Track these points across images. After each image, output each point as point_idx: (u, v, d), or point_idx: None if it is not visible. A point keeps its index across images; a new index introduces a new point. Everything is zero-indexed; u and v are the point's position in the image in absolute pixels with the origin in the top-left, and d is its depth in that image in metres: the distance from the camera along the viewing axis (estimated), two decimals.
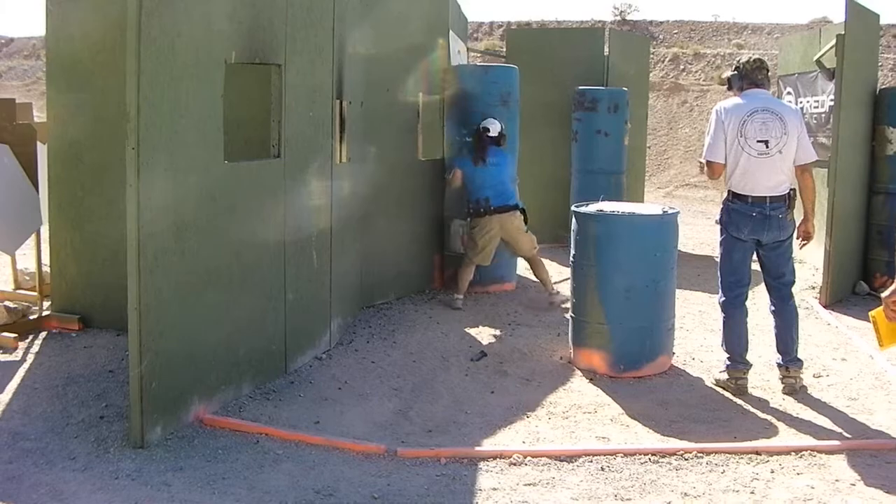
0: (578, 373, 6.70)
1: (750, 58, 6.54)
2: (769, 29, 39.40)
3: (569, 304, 7.24)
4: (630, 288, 6.51)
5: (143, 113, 4.81)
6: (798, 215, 6.37)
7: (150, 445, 5.02)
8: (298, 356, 6.56)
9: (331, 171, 6.94)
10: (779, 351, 6.39)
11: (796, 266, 6.74)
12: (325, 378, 6.44)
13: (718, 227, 6.72)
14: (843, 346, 7.67)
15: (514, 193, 8.95)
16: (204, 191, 5.41)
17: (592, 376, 6.60)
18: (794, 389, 6.34)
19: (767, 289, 6.54)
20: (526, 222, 8.89)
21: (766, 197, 6.20)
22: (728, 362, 6.44)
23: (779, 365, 6.38)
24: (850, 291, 9.82)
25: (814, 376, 6.73)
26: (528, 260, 9.08)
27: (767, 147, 6.13)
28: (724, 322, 6.50)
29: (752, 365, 6.47)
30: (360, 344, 7.30)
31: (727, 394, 6.35)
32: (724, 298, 6.54)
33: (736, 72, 6.45)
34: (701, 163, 6.59)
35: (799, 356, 6.41)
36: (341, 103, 7.12)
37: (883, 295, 4.39)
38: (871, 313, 4.66)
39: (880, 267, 10.02)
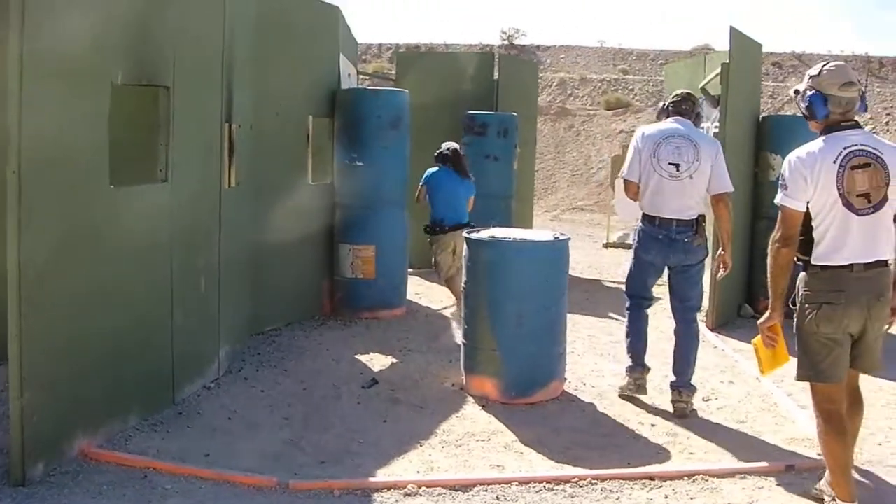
0: (471, 399, 6.66)
1: (680, 92, 6.82)
2: (653, 55, 40.30)
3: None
4: (521, 314, 6.51)
5: (25, 134, 4.64)
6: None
7: (32, 483, 4.77)
8: (186, 385, 6.39)
9: (219, 195, 6.80)
10: (674, 372, 6.49)
11: None
12: (214, 408, 6.27)
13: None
14: (729, 368, 7.83)
15: (465, 212, 9.38)
16: (88, 214, 5.22)
17: (485, 403, 6.56)
18: (685, 413, 6.40)
19: (672, 310, 6.68)
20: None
21: (672, 220, 6.35)
22: (629, 363, 6.72)
23: (672, 387, 6.47)
24: (735, 314, 10.05)
25: (703, 399, 6.82)
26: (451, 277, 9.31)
27: (678, 170, 6.31)
28: (626, 327, 6.77)
29: (650, 368, 6.72)
30: (249, 372, 7.16)
31: (619, 419, 6.40)
32: (628, 303, 6.77)
33: (662, 107, 6.86)
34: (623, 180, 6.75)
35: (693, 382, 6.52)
36: (230, 126, 7.00)
37: (759, 322, 4.83)
38: (753, 341, 4.99)
39: (764, 291, 10.14)
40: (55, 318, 4.95)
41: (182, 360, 6.26)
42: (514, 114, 12.17)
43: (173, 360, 6.14)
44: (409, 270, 10.12)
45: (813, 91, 4.56)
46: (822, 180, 4.44)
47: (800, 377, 4.71)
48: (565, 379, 6.99)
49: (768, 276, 4.70)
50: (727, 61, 9.42)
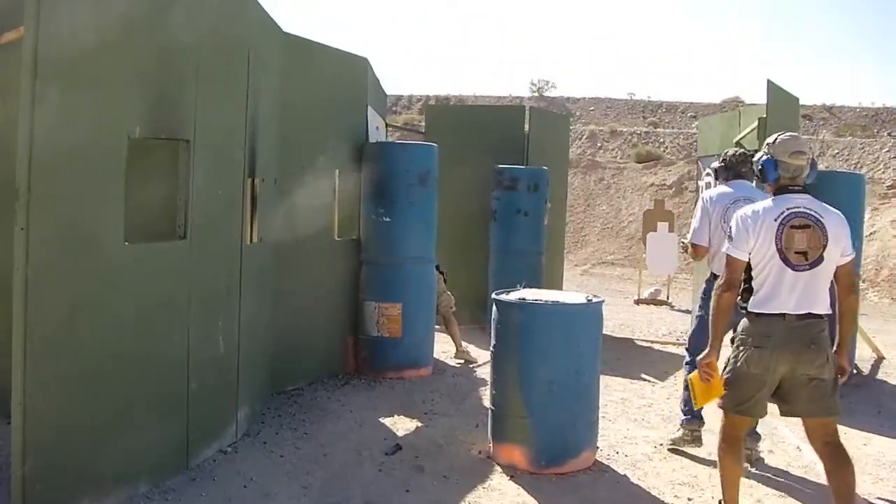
0: (498, 469, 6.35)
1: (736, 151, 7.03)
2: (683, 108, 40.26)
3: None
4: (553, 380, 6.21)
5: (35, 190, 4.45)
6: None
7: None
8: (202, 450, 6.12)
9: (241, 252, 6.58)
10: None
11: None
12: (229, 474, 5.98)
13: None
14: (768, 435, 7.48)
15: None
16: (101, 274, 5.01)
17: (513, 473, 6.25)
18: (751, 461, 6.56)
19: None
20: (445, 282, 10.18)
21: None
22: (684, 417, 6.87)
23: None
24: None
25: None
26: (444, 317, 10.17)
27: None
28: (685, 380, 6.58)
29: (704, 422, 6.74)
30: (268, 435, 6.88)
31: (654, 491, 6.08)
32: (688, 359, 6.74)
33: (722, 164, 6.95)
34: (684, 244, 7.04)
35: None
36: (253, 181, 6.80)
37: (698, 359, 5.19)
38: (689, 377, 5.38)
39: None
40: (62, 383, 4.73)
41: (197, 424, 5.99)
42: (545, 168, 11.94)
43: (188, 423, 5.88)
44: (436, 327, 9.87)
45: (767, 157, 5.10)
46: (762, 235, 4.94)
47: (723, 406, 5.17)
48: (597, 448, 6.69)
49: (710, 316, 5.18)
50: (762, 115, 9.19)
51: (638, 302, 16.87)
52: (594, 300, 6.50)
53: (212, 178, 6.08)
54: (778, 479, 6.46)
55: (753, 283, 5.02)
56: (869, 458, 7.07)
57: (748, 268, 5.03)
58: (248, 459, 6.30)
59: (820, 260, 4.88)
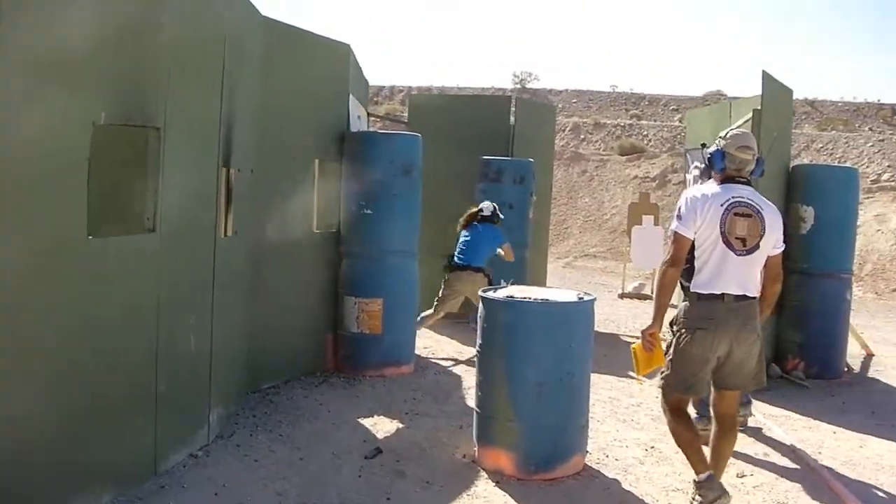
0: (483, 474, 6.06)
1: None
2: (665, 101, 40.10)
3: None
4: (542, 382, 5.92)
5: None
6: None
7: None
8: (171, 454, 5.79)
9: (214, 246, 6.27)
10: None
11: None
12: (200, 481, 5.65)
13: None
14: (764, 438, 7.28)
15: (480, 258, 10.05)
16: (63, 269, 4.66)
17: (499, 479, 5.96)
18: (742, 425, 6.82)
19: None
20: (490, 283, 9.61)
21: None
22: (695, 416, 6.66)
23: None
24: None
25: (738, 476, 6.30)
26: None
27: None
28: None
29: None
30: (242, 437, 6.56)
31: (647, 498, 5.84)
32: None
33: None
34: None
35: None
36: (228, 171, 6.48)
37: (642, 329, 5.51)
38: (633, 346, 5.62)
39: (793, 349, 9.75)
40: (14, 384, 4.37)
41: (167, 427, 5.67)
42: (531, 160, 11.64)
43: (156, 427, 5.55)
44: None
45: (717, 148, 5.46)
46: (709, 217, 5.25)
47: (666, 384, 5.50)
48: (587, 451, 6.41)
49: (655, 290, 5.61)
50: (755, 107, 8.91)
51: (622, 296, 16.65)
52: (586, 298, 6.22)
53: (184, 168, 5.76)
54: (775, 480, 6.28)
55: (696, 263, 5.33)
56: (867, 462, 6.87)
57: (692, 248, 5.34)
58: (221, 464, 5.98)
59: (756, 248, 5.28)
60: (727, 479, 6.03)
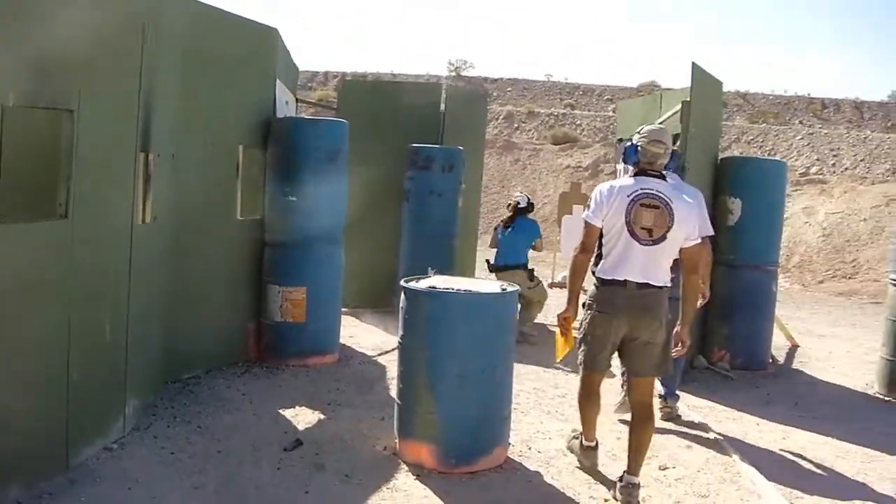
0: (404, 467, 5.98)
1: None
2: (600, 90, 40.30)
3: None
4: (464, 374, 5.85)
5: None
6: None
7: None
8: (84, 447, 5.63)
9: (131, 233, 6.10)
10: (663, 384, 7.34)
11: None
12: (114, 474, 5.50)
13: None
14: (687, 429, 7.30)
15: (518, 255, 10.81)
16: None
17: (420, 472, 5.89)
18: (672, 418, 7.49)
19: None
20: (531, 279, 10.85)
21: None
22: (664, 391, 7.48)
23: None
24: (689, 366, 9.51)
25: (660, 468, 6.30)
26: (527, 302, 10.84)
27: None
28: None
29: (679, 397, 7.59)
30: (159, 429, 6.41)
31: (568, 492, 5.81)
32: None
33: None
34: None
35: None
36: (147, 156, 6.31)
37: (557, 314, 5.88)
38: (557, 333, 5.98)
39: (719, 340, 9.81)
40: None
41: (79, 419, 5.50)
42: (461, 148, 11.55)
43: (68, 419, 5.38)
44: (343, 310, 9.48)
45: (631, 143, 5.74)
46: (615, 208, 5.50)
47: (579, 363, 5.90)
48: (510, 444, 6.37)
49: (568, 276, 5.97)
50: (685, 98, 8.92)
51: (552, 285, 16.60)
52: (508, 289, 6.16)
53: (99, 152, 5.58)
54: (698, 473, 6.28)
55: (603, 250, 5.63)
56: (789, 453, 6.92)
57: (601, 235, 5.62)
58: (136, 457, 5.84)
59: (663, 238, 5.46)
60: (649, 471, 6.08)
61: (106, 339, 5.83)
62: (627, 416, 6.30)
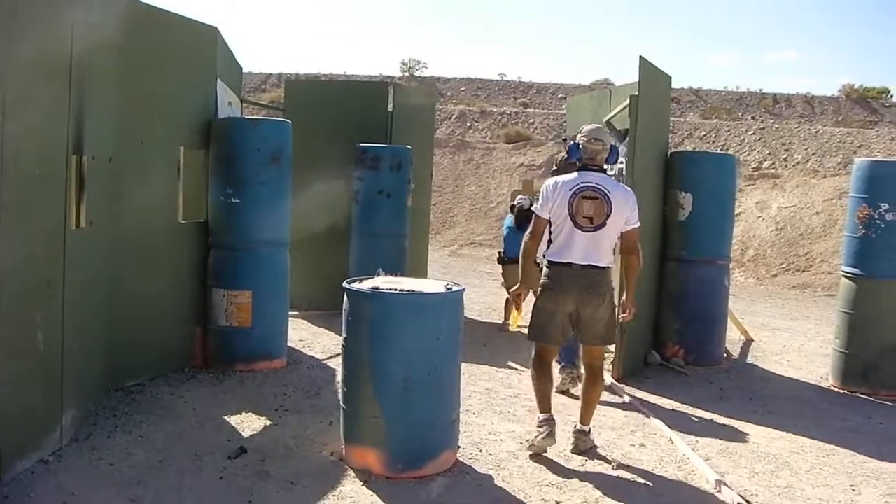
0: (351, 473, 5.83)
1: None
2: (553, 89, 40.34)
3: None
4: (408, 377, 5.71)
5: None
6: None
7: None
8: (17, 460, 5.42)
9: (64, 237, 5.91)
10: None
11: None
12: (48, 489, 5.30)
13: None
14: (640, 427, 7.28)
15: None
16: None
17: (367, 478, 5.74)
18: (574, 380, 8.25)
19: None
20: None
21: None
22: (562, 363, 8.26)
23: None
24: (642, 362, 9.45)
25: (613, 468, 6.22)
26: None
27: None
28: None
29: (579, 366, 7.79)
30: (98, 439, 6.22)
31: (519, 495, 5.67)
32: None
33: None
34: None
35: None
36: (80, 158, 6.12)
37: (511, 290, 6.83)
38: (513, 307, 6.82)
39: (672, 335, 9.76)
40: None
41: (11, 432, 5.30)
42: (409, 147, 11.42)
43: None
44: (293, 313, 9.30)
45: (573, 141, 6.52)
46: (559, 201, 6.28)
47: (530, 336, 6.56)
48: (459, 446, 6.25)
49: (520, 258, 6.58)
50: (634, 93, 8.84)
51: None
52: (454, 289, 6.03)
53: (28, 155, 5.39)
54: (652, 472, 6.21)
55: (551, 237, 6.35)
56: (744, 449, 6.88)
57: (551, 224, 6.34)
58: (73, 469, 5.64)
59: (603, 225, 6.21)
60: (602, 469, 6.00)
61: (39, 348, 5.62)
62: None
